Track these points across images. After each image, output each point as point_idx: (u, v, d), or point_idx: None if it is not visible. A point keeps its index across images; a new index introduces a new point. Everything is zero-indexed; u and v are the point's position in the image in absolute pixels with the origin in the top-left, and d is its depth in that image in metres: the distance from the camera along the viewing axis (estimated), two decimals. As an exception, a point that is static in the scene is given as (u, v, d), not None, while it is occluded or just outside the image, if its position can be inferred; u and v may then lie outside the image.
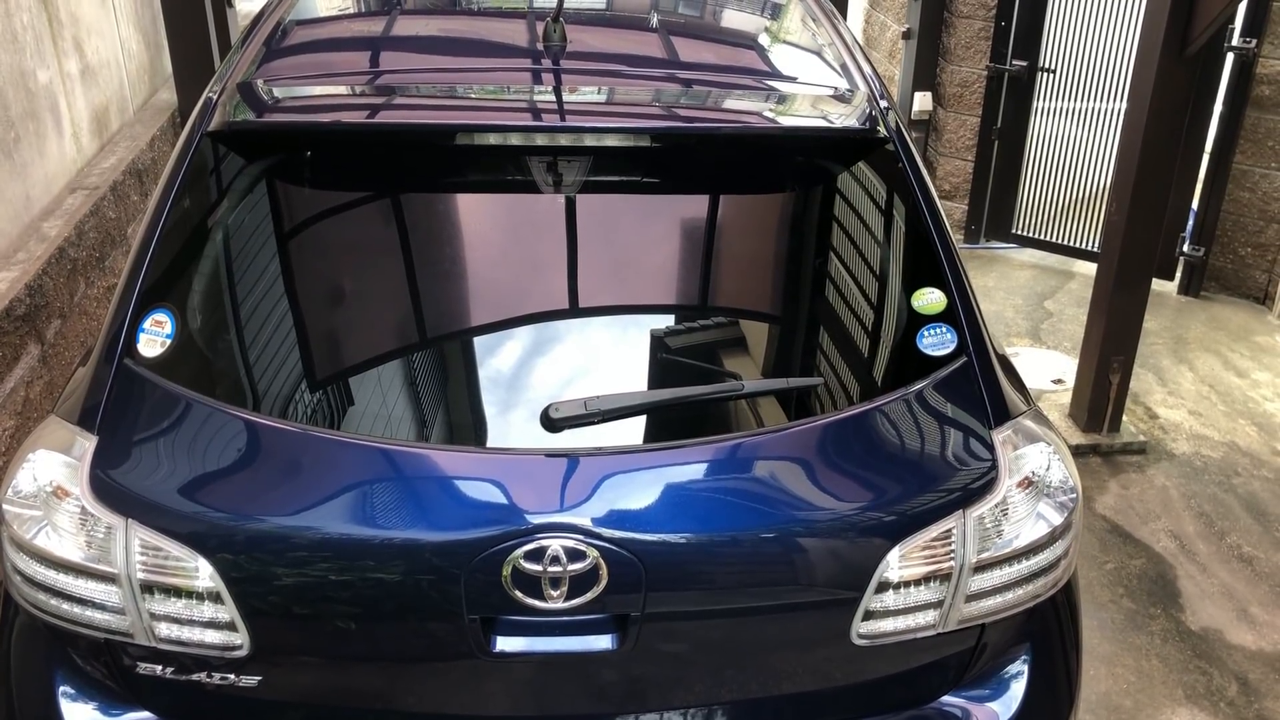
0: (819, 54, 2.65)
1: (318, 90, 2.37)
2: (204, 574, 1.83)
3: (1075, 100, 5.87)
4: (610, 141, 2.17)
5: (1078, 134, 5.91)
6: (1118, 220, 4.05)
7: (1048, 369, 4.93)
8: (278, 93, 2.32)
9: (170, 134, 5.26)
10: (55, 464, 1.92)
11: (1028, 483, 2.01)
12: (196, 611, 1.86)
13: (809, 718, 2.06)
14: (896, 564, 1.91)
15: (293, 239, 2.15)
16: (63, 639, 1.99)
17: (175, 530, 1.84)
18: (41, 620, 1.96)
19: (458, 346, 2.09)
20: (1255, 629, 3.43)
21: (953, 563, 1.94)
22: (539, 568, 1.81)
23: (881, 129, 2.26)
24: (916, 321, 2.10)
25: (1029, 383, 2.45)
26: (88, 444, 1.92)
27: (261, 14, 2.80)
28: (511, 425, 1.97)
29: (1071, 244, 6.08)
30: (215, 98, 2.29)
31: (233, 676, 1.92)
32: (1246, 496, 4.10)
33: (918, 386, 2.04)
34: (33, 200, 3.91)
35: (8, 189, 3.70)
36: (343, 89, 2.38)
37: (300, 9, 2.79)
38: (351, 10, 3.01)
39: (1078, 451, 4.28)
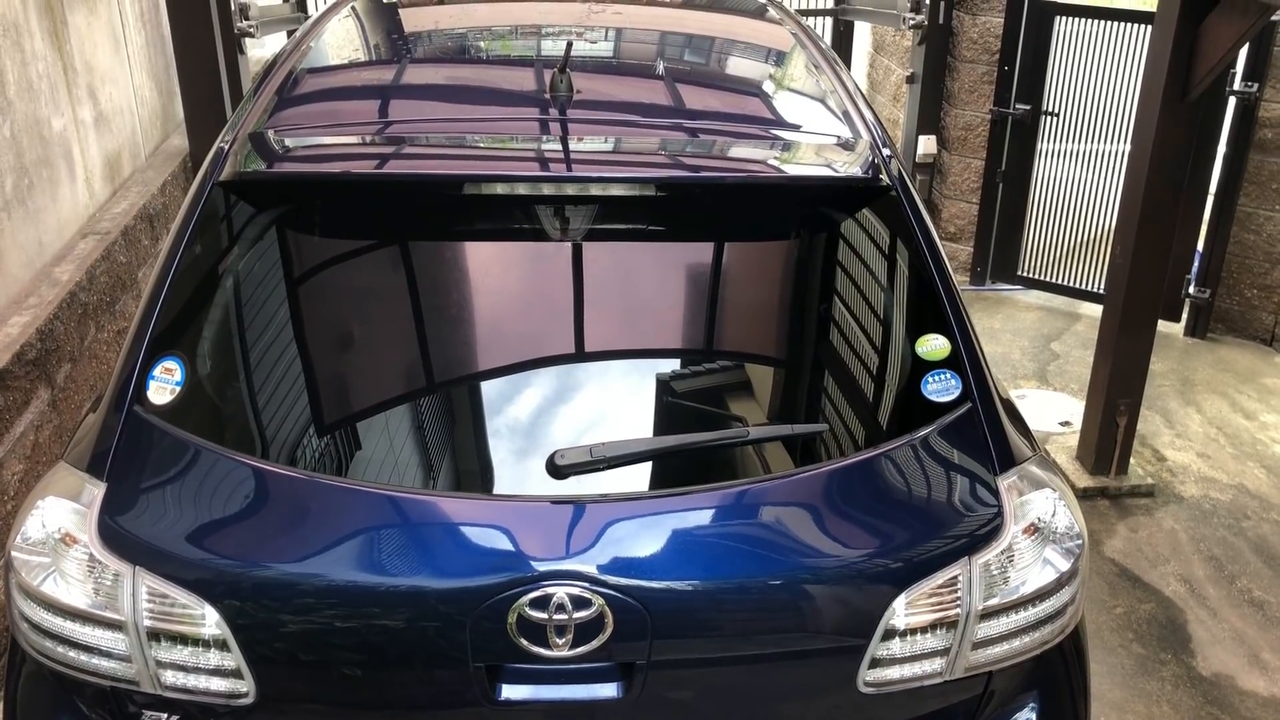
0: (822, 102, 2.68)
1: (328, 140, 2.40)
2: (210, 621, 1.84)
3: (1079, 143, 5.90)
4: (616, 191, 2.20)
5: (1082, 176, 5.94)
6: (1122, 263, 4.06)
7: (1055, 411, 4.92)
8: (289, 143, 2.36)
9: (182, 179, 5.31)
10: (64, 511, 1.92)
11: (1033, 529, 2.01)
12: (202, 659, 1.86)
13: (816, 766, 2.05)
14: (903, 611, 1.91)
15: (302, 288, 2.17)
16: (69, 687, 1.99)
17: (182, 577, 1.84)
18: (48, 668, 1.96)
19: (464, 393, 2.10)
20: (1267, 675, 3.40)
21: (959, 610, 1.93)
22: (544, 615, 1.81)
23: (884, 177, 2.29)
24: (921, 368, 2.11)
25: (1036, 425, 2.45)
26: (96, 491, 1.93)
27: (274, 62, 2.84)
28: (517, 472, 1.98)
29: (1077, 286, 6.09)
30: (227, 147, 2.33)
31: (238, 724, 1.91)
32: (1256, 540, 4.07)
33: (922, 433, 2.04)
34: (45, 245, 3.95)
35: (21, 234, 3.74)
36: (353, 139, 2.41)
37: (312, 58, 2.84)
38: (362, 59, 3.06)
39: (1085, 494, 4.26)
